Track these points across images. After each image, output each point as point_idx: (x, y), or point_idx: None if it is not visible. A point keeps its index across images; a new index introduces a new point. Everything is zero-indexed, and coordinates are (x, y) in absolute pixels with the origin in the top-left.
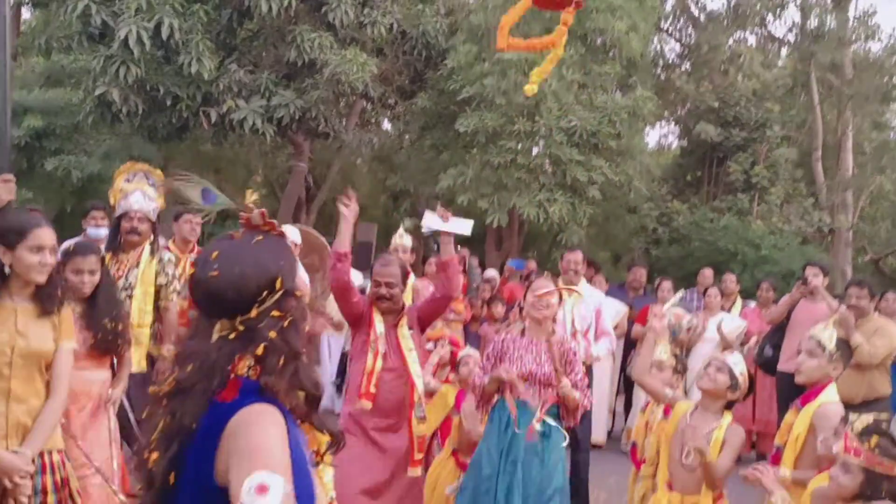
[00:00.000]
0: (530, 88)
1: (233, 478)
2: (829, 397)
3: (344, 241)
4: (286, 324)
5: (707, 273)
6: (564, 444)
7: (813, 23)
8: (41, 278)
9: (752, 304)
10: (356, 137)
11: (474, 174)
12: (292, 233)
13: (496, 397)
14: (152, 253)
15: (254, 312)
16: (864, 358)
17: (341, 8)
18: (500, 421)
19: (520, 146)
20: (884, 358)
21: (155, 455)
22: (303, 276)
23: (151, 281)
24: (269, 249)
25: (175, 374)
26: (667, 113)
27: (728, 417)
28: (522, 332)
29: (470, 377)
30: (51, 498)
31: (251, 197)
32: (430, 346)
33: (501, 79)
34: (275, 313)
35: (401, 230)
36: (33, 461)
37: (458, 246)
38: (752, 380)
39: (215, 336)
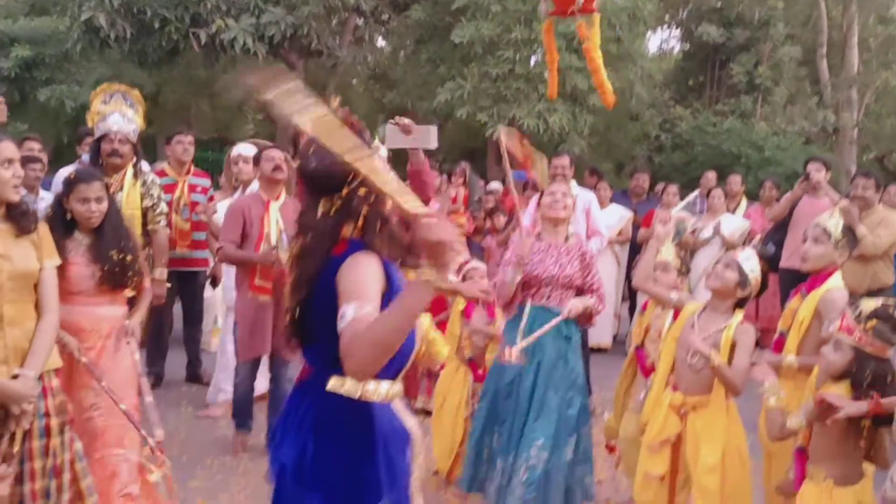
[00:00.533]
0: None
1: (340, 304)
2: (835, 283)
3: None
4: (373, 199)
5: (710, 176)
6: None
7: None
8: (15, 196)
9: (756, 204)
10: (350, 54)
11: (472, 87)
12: (392, 134)
13: (519, 301)
14: (135, 175)
15: (345, 191)
16: (869, 249)
17: None
18: (523, 323)
19: (518, 56)
20: (888, 248)
21: (290, 296)
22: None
23: (137, 204)
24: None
25: (301, 240)
26: (668, 17)
27: (738, 316)
28: (538, 236)
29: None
30: (53, 421)
31: (336, 101)
32: None
33: None
34: (361, 191)
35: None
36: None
37: (462, 161)
38: (764, 276)
39: (320, 211)
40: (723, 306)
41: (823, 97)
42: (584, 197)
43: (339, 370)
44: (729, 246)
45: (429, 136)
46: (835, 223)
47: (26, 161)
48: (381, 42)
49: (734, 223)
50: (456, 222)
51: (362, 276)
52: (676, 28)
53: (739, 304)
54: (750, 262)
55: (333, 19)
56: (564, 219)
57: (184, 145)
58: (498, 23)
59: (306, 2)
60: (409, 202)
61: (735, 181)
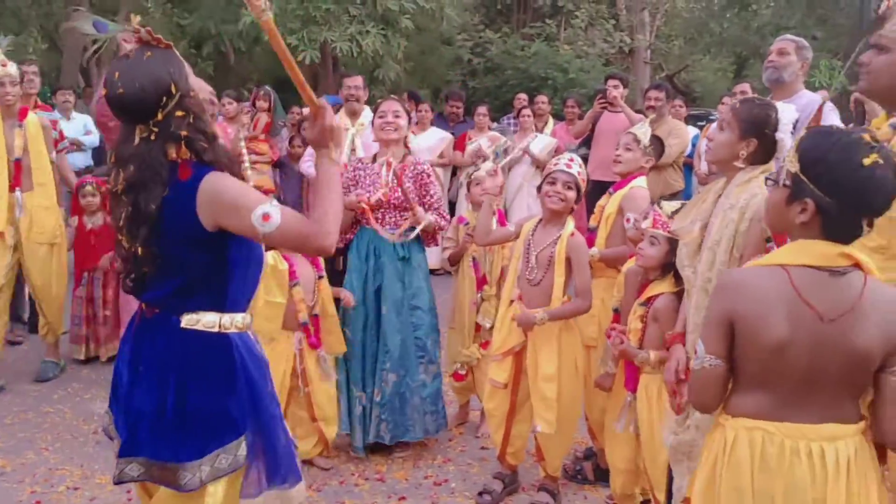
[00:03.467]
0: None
1: (235, 221)
2: (639, 183)
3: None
4: (191, 119)
5: (521, 97)
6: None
7: None
8: None
9: (562, 123)
10: None
11: (279, 7)
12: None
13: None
14: None
15: (160, 116)
16: (661, 157)
17: None
18: (360, 250)
19: None
20: (677, 157)
21: (125, 237)
22: (196, 80)
23: None
24: (159, 62)
25: (123, 174)
26: None
27: (569, 226)
28: (374, 159)
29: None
30: None
31: (135, 20)
32: None
33: None
34: (178, 113)
35: None
36: None
37: (265, 86)
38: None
39: (137, 139)
40: (555, 218)
41: (619, 20)
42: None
43: (192, 304)
44: (538, 163)
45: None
46: (644, 132)
47: None
48: None
49: (542, 141)
50: (256, 149)
51: (237, 187)
52: None
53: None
54: (575, 167)
55: None
56: (397, 140)
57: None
58: None
59: None
60: (312, 93)
61: (542, 101)
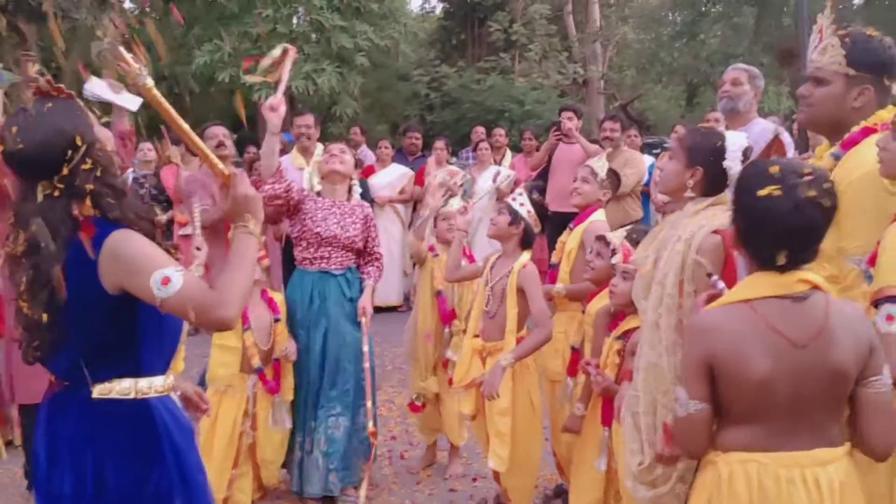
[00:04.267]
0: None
1: (135, 283)
2: (598, 217)
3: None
4: (99, 172)
5: (479, 130)
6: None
7: None
8: None
9: (520, 155)
10: (90, 15)
11: (233, 48)
12: (99, 87)
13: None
14: None
15: (65, 170)
16: (617, 189)
17: None
18: (304, 292)
19: (277, 14)
20: (634, 186)
21: (27, 303)
22: (102, 130)
23: None
24: (62, 113)
25: (23, 235)
26: None
27: (523, 258)
28: (319, 193)
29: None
30: None
31: (34, 68)
32: None
33: None
34: (84, 166)
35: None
36: None
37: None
38: (545, 212)
39: (41, 196)
40: (510, 248)
41: (572, 52)
42: None
43: (103, 373)
44: (499, 196)
45: (132, 101)
46: (601, 165)
47: None
48: (128, 3)
49: (503, 174)
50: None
51: (141, 247)
52: None
53: (526, 244)
54: (517, 200)
55: None
56: (343, 174)
57: None
58: None
59: None
60: (217, 161)
61: (499, 134)
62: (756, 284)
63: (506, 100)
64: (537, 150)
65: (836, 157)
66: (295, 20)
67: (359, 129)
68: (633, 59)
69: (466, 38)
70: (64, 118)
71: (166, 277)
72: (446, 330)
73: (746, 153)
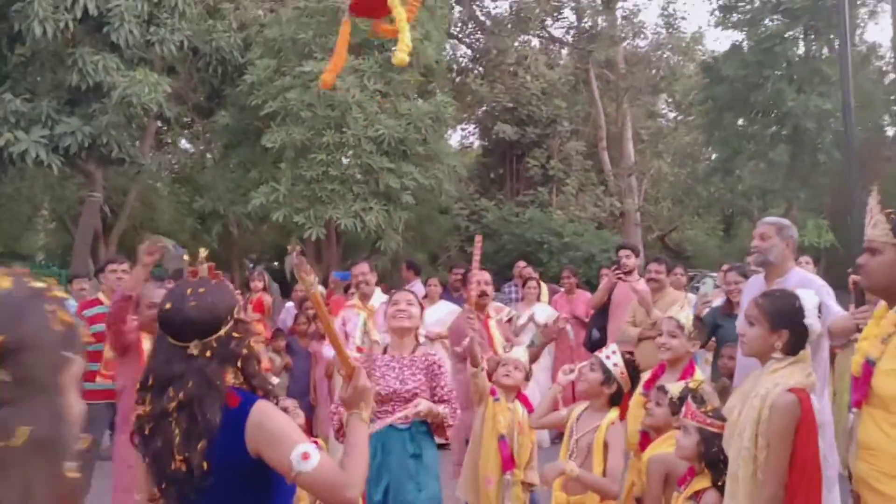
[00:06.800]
0: (400, 59)
1: (275, 454)
2: (699, 376)
3: (134, 285)
4: (248, 340)
5: (521, 264)
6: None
7: (587, 23)
8: None
9: (560, 292)
10: (154, 160)
11: (287, 189)
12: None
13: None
14: None
15: (223, 331)
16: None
17: (125, 27)
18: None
19: (330, 158)
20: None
21: (181, 456)
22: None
23: None
24: (221, 287)
25: (174, 392)
26: (466, 115)
27: (611, 415)
28: (385, 350)
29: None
30: None
31: (203, 254)
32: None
33: (304, 92)
34: (235, 334)
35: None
36: None
37: (252, 263)
38: (636, 370)
39: (193, 353)
40: (597, 404)
41: (608, 185)
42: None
43: None
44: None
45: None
46: (685, 316)
47: None
48: (185, 144)
49: (545, 313)
50: (254, 329)
51: (284, 421)
52: (475, 126)
53: (615, 400)
54: (611, 359)
55: (133, 125)
56: (410, 329)
57: (117, 274)
58: (308, 127)
59: (105, 111)
60: (348, 355)
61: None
62: None
63: (544, 232)
64: (577, 286)
65: None
66: (345, 161)
67: (408, 267)
68: (668, 191)
69: (505, 172)
70: (224, 291)
71: (306, 453)
72: (506, 477)
73: (820, 309)
